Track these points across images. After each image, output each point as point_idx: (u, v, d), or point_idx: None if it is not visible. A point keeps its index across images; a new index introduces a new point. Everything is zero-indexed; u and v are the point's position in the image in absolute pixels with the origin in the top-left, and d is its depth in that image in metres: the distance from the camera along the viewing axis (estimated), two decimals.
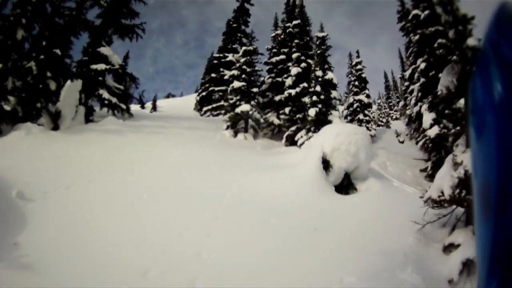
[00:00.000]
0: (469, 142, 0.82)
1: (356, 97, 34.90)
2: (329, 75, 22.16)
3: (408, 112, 27.76)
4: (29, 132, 13.09)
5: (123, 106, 20.95)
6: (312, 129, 19.97)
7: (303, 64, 24.21)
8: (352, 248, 6.85)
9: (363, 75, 36.20)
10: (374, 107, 53.63)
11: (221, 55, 36.12)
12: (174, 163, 11.81)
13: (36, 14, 16.04)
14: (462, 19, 18.18)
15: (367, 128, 30.22)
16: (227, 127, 21.59)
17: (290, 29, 26.90)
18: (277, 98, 25.12)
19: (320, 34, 24.52)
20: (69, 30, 17.61)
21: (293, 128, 21.83)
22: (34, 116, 14.95)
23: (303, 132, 20.51)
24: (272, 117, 24.08)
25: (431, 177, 19.71)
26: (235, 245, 6.84)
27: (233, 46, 36.18)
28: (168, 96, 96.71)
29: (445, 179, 7.31)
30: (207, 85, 38.12)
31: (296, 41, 25.56)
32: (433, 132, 19.60)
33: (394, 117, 64.21)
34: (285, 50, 26.77)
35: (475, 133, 0.76)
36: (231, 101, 22.71)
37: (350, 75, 39.29)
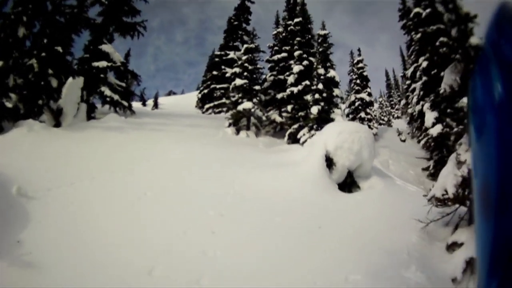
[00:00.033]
0: (469, 141, 0.81)
1: (358, 95, 34.89)
2: (331, 73, 22.14)
3: (409, 110, 27.76)
4: (31, 129, 13.08)
5: (125, 103, 20.97)
6: (314, 127, 19.97)
7: (305, 62, 24.17)
8: (356, 247, 6.83)
9: (365, 73, 36.18)
10: (376, 105, 53.63)
11: (222, 52, 36.13)
12: (176, 161, 11.80)
13: (37, 12, 16.03)
14: (464, 17, 18.22)
15: (369, 126, 30.16)
16: (229, 125, 21.56)
17: (292, 27, 26.86)
18: (279, 95, 25.12)
19: (322, 32, 24.46)
20: (70, 28, 17.59)
21: (295, 126, 21.81)
22: (35, 113, 14.94)
23: (305, 130, 20.49)
24: (274, 115, 24.05)
25: (433, 176, 19.70)
26: (240, 243, 6.81)
27: (235, 43, 36.12)
28: (170, 93, 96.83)
29: (449, 178, 7.30)
30: (208, 82, 38.10)
31: (297, 39, 25.51)
32: (435, 130, 19.57)
33: (395, 115, 64.22)
34: (287, 48, 26.75)
35: (475, 133, 0.76)
36: (233, 99, 22.67)
37: (351, 73, 39.33)
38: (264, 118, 23.17)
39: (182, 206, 8.24)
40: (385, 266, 6.00)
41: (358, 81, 35.94)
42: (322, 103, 20.69)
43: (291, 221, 7.98)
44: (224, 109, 27.61)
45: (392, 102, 69.53)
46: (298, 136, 20.57)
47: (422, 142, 22.37)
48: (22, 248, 5.73)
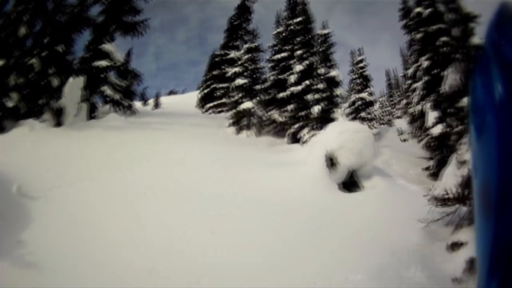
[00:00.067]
0: (470, 141, 0.82)
1: (359, 95, 34.91)
2: (333, 72, 22.19)
3: (410, 110, 27.71)
4: (32, 129, 13.12)
5: (126, 103, 20.96)
6: (315, 126, 19.96)
7: (306, 62, 24.11)
8: (356, 247, 6.83)
9: (366, 73, 36.20)
10: (377, 105, 53.59)
11: (223, 52, 36.08)
12: (177, 161, 11.78)
13: (38, 11, 16.08)
14: (466, 17, 18.21)
15: (370, 126, 30.15)
16: (230, 124, 21.52)
17: (293, 27, 26.76)
18: (280, 95, 25.06)
19: (323, 31, 24.51)
20: (71, 27, 17.63)
21: (296, 125, 21.73)
22: (36, 112, 14.98)
23: (306, 129, 20.47)
24: (275, 115, 24.02)
25: (434, 175, 19.69)
26: (240, 243, 6.80)
27: (235, 43, 36.04)
28: (171, 93, 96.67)
29: (450, 178, 7.30)
30: (209, 82, 38.04)
31: (299, 38, 25.45)
32: (436, 130, 19.56)
33: (396, 115, 64.17)
34: (288, 47, 26.68)
35: (476, 133, 0.77)
36: (234, 98, 22.65)
37: (352, 73, 39.24)
38: (265, 117, 23.13)
39: (182, 206, 8.23)
40: (385, 266, 5.99)
41: (359, 80, 35.96)
42: (323, 103, 20.72)
43: (292, 221, 7.97)
44: (225, 108, 27.60)
45: (393, 102, 69.37)
46: (299, 136, 20.56)
47: (423, 142, 22.36)
48: (22, 248, 5.73)
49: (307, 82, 23.00)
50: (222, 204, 8.56)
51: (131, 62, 34.30)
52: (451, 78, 18.27)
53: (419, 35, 23.45)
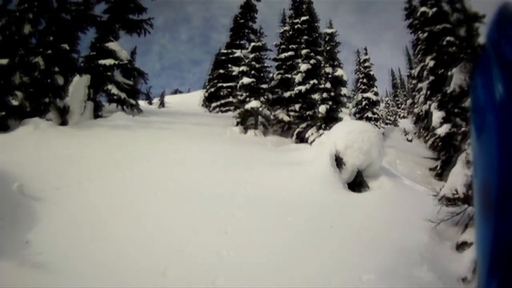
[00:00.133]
0: (470, 141, 0.82)
1: (364, 95, 34.95)
2: (339, 72, 22.24)
3: (416, 110, 27.75)
4: (37, 127, 13.10)
5: (132, 102, 20.97)
6: (322, 126, 19.96)
7: (312, 61, 24.12)
8: (368, 246, 6.80)
9: (371, 73, 36.24)
10: (382, 105, 53.66)
11: (228, 51, 36.09)
12: (186, 160, 11.76)
13: (42, 9, 16.05)
14: (472, 17, 18.18)
15: (376, 126, 30.14)
16: (237, 124, 21.52)
17: (298, 25, 26.81)
18: (286, 94, 25.09)
19: (329, 31, 24.53)
20: (76, 25, 17.61)
21: (303, 125, 21.72)
22: (42, 111, 14.96)
23: (313, 129, 20.44)
24: (282, 114, 24.03)
25: (440, 176, 19.73)
26: (254, 242, 6.72)
27: (241, 42, 36.14)
28: (175, 92, 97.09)
29: (458, 177, 7.31)
30: (215, 81, 38.12)
31: (304, 37, 25.49)
32: (442, 130, 19.55)
33: (401, 115, 64.24)
34: (294, 46, 26.72)
35: (476, 133, 0.77)
36: (240, 97, 22.64)
37: (358, 73, 39.29)
38: (271, 117, 23.16)
39: (192, 206, 8.20)
40: (396, 266, 5.97)
41: (364, 80, 36.00)
42: (329, 102, 20.75)
43: (303, 220, 7.94)
44: (231, 108, 27.66)
45: (398, 102, 69.51)
46: (306, 136, 20.51)
47: (429, 142, 22.35)
48: (31, 248, 5.69)
49: (313, 81, 23.00)
50: (234, 204, 8.44)
51: (135, 61, 34.39)
52: (457, 77, 18.28)
53: (424, 35, 23.43)
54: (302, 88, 23.23)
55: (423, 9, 23.30)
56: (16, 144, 11.35)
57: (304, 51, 24.48)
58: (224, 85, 35.03)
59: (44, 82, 15.14)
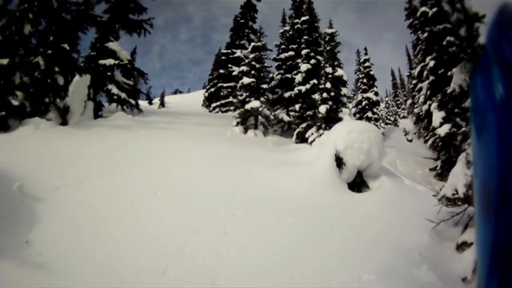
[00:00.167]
0: (471, 141, 0.83)
1: (365, 95, 34.96)
2: (339, 72, 22.16)
3: (416, 110, 27.79)
4: (37, 127, 13.09)
5: (132, 102, 21.01)
6: (322, 126, 19.96)
7: (312, 61, 24.16)
8: (368, 246, 6.80)
9: (372, 73, 36.24)
10: (382, 105, 53.69)
11: (229, 51, 36.16)
12: (185, 160, 11.74)
13: (42, 9, 16.02)
14: (473, 17, 18.19)
15: (376, 126, 30.18)
16: (237, 124, 21.54)
17: (299, 25, 26.88)
18: (286, 94, 25.13)
19: (329, 30, 24.45)
20: (76, 25, 17.60)
21: (303, 125, 21.76)
22: (42, 111, 14.94)
23: (313, 129, 20.45)
24: (282, 114, 24.06)
25: (440, 176, 19.75)
26: (254, 243, 6.70)
27: (241, 42, 36.18)
28: (176, 92, 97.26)
29: (459, 177, 7.30)
30: (215, 81, 38.19)
31: (305, 37, 25.55)
32: (443, 130, 19.56)
33: (401, 115, 64.30)
34: (294, 46, 26.77)
35: (476, 133, 0.77)
36: (240, 98, 22.62)
37: (358, 72, 39.40)
38: (272, 117, 23.16)
39: (193, 206, 8.19)
40: (397, 265, 5.96)
41: (365, 80, 36.02)
42: (330, 102, 20.70)
43: (303, 220, 7.94)
44: (231, 108, 27.68)
45: (398, 102, 69.61)
46: (306, 136, 20.54)
47: (429, 142, 22.35)
48: (31, 248, 5.68)
49: (314, 81, 23.04)
50: (234, 204, 8.42)
51: (135, 61, 34.42)
52: (458, 78, 18.28)
53: (424, 35, 23.44)
54: (303, 88, 23.27)
55: (423, 9, 23.33)
56: (17, 144, 11.33)
57: (304, 51, 24.53)
58: (225, 85, 35.08)
59: (45, 82, 15.12)
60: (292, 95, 24.19)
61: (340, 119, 19.59)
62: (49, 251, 5.61)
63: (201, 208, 8.05)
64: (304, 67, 23.74)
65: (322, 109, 20.27)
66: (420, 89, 25.55)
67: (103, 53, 19.86)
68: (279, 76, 26.52)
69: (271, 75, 27.03)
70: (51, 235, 6.16)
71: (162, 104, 51.56)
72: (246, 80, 22.40)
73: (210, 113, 33.06)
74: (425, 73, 24.01)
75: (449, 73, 19.82)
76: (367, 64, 36.79)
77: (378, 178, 11.96)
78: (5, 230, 6.01)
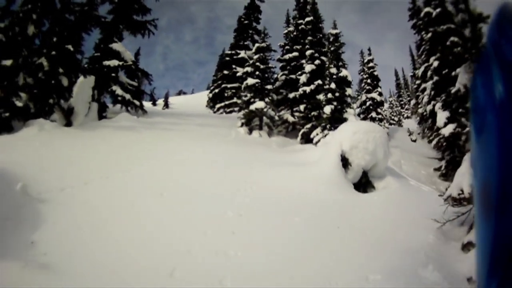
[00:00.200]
0: (470, 141, 0.83)
1: (369, 95, 34.99)
2: (343, 72, 22.19)
3: (420, 110, 27.80)
4: (41, 128, 13.09)
5: (137, 103, 21.02)
6: (327, 127, 19.95)
7: (317, 61, 24.17)
8: (374, 246, 6.80)
9: (375, 73, 36.24)
10: (386, 105, 53.68)
11: (233, 52, 36.18)
12: (189, 160, 11.74)
13: (46, 10, 16.02)
14: (477, 17, 18.16)
15: (380, 126, 30.18)
16: (242, 124, 21.55)
17: (303, 26, 26.90)
18: (291, 95, 25.16)
19: (333, 31, 24.47)
20: (80, 26, 17.59)
21: (308, 125, 21.78)
22: (46, 112, 14.94)
23: (318, 129, 20.44)
24: (287, 115, 24.09)
25: (445, 176, 19.76)
26: (261, 243, 6.70)
27: (245, 43, 36.23)
28: (180, 93, 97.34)
29: (464, 177, 7.30)
30: (219, 82, 38.25)
31: (309, 38, 25.55)
32: (447, 130, 19.56)
33: (405, 115, 64.28)
34: (298, 47, 26.79)
35: (476, 133, 0.76)
36: (245, 98, 22.62)
37: (362, 73, 39.37)
38: (276, 117, 23.16)
39: (193, 206, 8.19)
40: (402, 266, 5.97)
41: (369, 80, 36.04)
42: (335, 103, 20.68)
43: (310, 221, 7.93)
44: (235, 108, 27.71)
45: (402, 102, 69.58)
46: (311, 136, 20.54)
47: (434, 142, 22.35)
48: (36, 249, 5.68)
49: (318, 81, 23.04)
50: (241, 205, 8.40)
51: (139, 62, 34.47)
52: (462, 78, 18.26)
53: (428, 35, 23.43)
54: (307, 88, 23.27)
55: (427, 9, 23.34)
56: (21, 145, 11.33)
57: (308, 52, 24.53)
58: (229, 86, 35.12)
59: (49, 83, 15.12)
60: (297, 95, 24.20)
61: (345, 120, 19.59)
62: (54, 252, 5.59)
63: (201, 208, 8.05)
64: (308, 67, 23.75)
65: (327, 109, 20.26)
66: (424, 89, 25.57)
67: (107, 54, 19.90)
68: (283, 77, 26.55)
69: (275, 76, 27.05)
70: (56, 236, 6.14)
71: (166, 105, 51.63)
72: (250, 81, 22.41)
73: (214, 114, 33.13)
74: (429, 73, 24.02)
75: (453, 73, 19.81)
76: (371, 64, 36.81)
77: (384, 178, 11.97)
78: (9, 231, 5.99)
